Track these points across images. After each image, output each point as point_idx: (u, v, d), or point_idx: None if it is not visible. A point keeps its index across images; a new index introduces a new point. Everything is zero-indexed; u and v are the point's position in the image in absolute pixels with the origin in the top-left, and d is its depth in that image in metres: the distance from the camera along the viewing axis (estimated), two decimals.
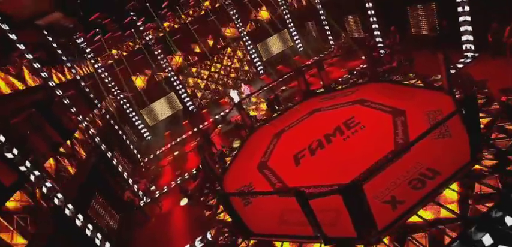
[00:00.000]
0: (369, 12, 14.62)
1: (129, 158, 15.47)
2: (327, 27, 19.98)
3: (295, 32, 22.31)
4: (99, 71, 17.62)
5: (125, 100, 18.65)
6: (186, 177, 12.37)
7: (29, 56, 9.23)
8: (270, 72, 21.50)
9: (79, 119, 10.65)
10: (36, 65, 9.45)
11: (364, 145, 8.27)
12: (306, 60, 20.05)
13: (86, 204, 8.79)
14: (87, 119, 13.09)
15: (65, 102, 10.17)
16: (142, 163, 15.85)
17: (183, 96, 20.37)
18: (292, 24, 22.12)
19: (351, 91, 11.87)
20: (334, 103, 11.56)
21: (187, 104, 20.54)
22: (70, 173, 9.32)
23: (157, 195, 12.15)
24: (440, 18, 12.09)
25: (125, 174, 11.76)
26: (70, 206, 7.10)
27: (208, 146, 12.57)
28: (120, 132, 15.53)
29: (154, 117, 20.24)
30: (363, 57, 15.00)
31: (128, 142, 15.89)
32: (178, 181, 12.37)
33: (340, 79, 14.32)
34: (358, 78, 12.97)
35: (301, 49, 22.46)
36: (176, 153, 15.79)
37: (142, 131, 19.49)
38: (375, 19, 14.65)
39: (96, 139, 10.94)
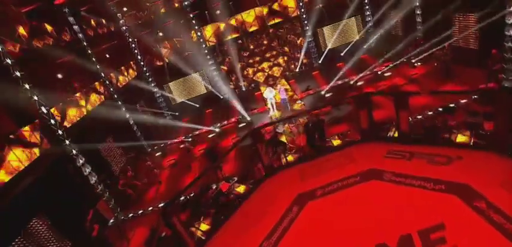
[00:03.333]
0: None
1: (131, 146, 13.01)
2: (419, 24, 13.86)
3: (371, 22, 16.51)
4: (124, 29, 15.01)
5: (149, 73, 16.07)
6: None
7: None
8: (324, 69, 16.54)
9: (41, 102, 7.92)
10: None
11: None
12: (379, 65, 14.46)
13: None
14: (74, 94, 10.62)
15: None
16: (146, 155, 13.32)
17: (215, 78, 16.90)
18: (370, 11, 16.32)
19: (447, 157, 6.83)
20: (409, 172, 6.75)
21: (217, 89, 17.08)
22: None
23: (130, 216, 9.40)
24: None
25: (100, 187, 9.15)
26: None
27: (212, 169, 9.14)
28: (127, 114, 13.04)
29: (177, 95, 17.32)
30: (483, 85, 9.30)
31: (135, 126, 13.38)
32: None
33: (423, 115, 9.05)
34: (465, 128, 7.65)
35: (373, 45, 16.64)
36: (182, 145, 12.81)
37: (166, 112, 16.87)
38: None
39: (66, 141, 8.29)
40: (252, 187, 8.14)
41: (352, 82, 13.71)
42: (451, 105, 9.38)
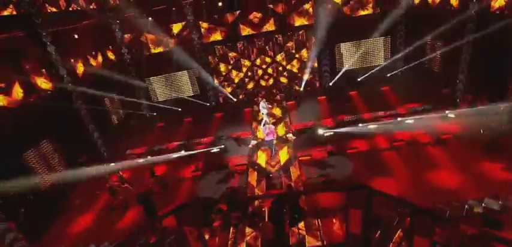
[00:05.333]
0: None
1: (87, 151, 10.88)
2: (465, 62, 10.45)
3: (403, 47, 13.11)
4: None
5: (129, 59, 13.66)
6: None
7: None
8: (333, 95, 13.42)
9: None
10: None
11: None
12: (401, 106, 11.26)
13: None
14: None
15: None
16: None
17: (205, 79, 14.23)
18: (403, 33, 12.97)
19: None
20: None
21: (208, 95, 14.43)
22: None
23: None
24: None
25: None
26: None
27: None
28: (82, 110, 10.83)
29: (161, 94, 14.76)
30: None
31: (90, 127, 11.12)
32: None
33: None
34: None
35: (399, 77, 13.35)
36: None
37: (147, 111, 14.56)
38: None
39: None
40: None
41: (361, 125, 10.63)
42: (495, 207, 6.36)
